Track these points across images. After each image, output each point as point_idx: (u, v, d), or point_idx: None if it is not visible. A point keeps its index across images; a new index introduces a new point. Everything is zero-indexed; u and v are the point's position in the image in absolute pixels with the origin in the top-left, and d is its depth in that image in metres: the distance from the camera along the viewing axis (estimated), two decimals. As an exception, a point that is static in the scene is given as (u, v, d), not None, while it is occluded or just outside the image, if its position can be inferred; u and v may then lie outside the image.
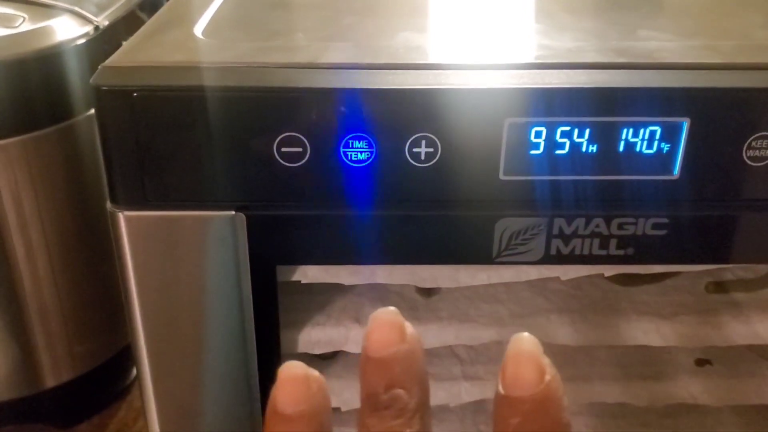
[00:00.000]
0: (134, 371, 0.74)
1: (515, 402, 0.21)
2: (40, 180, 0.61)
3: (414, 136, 0.35)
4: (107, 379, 0.73)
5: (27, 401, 0.68)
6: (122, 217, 0.37)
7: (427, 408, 0.22)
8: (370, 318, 0.22)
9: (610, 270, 0.41)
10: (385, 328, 0.22)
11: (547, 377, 0.21)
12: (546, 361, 0.21)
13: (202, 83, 0.35)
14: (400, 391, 0.21)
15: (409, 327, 0.22)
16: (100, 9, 0.64)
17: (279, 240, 0.38)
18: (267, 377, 0.42)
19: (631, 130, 0.36)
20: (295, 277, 0.41)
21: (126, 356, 0.72)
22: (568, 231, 0.38)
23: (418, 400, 0.21)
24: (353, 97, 0.35)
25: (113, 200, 0.37)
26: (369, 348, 0.21)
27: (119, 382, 0.75)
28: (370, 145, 0.36)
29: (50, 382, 0.68)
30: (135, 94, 0.34)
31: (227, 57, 0.37)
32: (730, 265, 0.46)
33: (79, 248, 0.65)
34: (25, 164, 0.60)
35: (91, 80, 0.35)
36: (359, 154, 0.36)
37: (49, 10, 0.62)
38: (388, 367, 0.21)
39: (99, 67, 0.36)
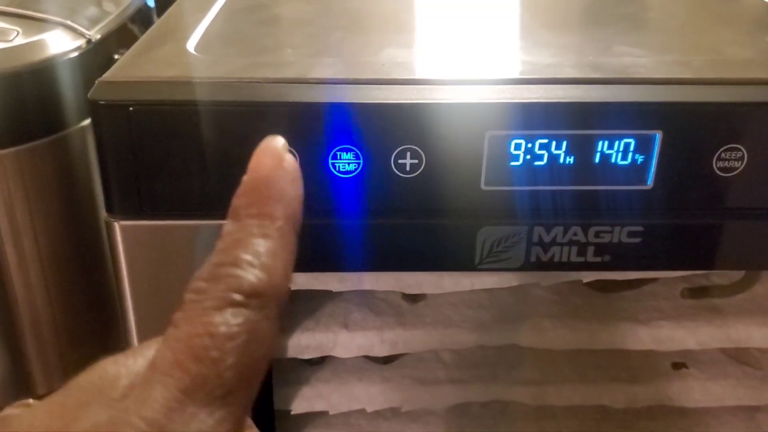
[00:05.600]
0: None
1: (252, 185, 0.23)
2: (33, 190, 0.62)
3: (399, 148, 0.37)
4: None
5: (18, 409, 0.68)
6: (118, 226, 0.38)
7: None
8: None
9: (588, 276, 0.43)
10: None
11: (286, 160, 0.23)
12: (288, 156, 0.24)
13: (195, 98, 0.36)
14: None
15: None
16: (93, 23, 0.65)
17: (269, 248, 0.39)
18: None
19: (606, 143, 0.37)
20: (285, 284, 0.42)
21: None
22: (547, 239, 0.40)
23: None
24: (341, 110, 0.36)
25: (109, 210, 0.38)
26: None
27: (110, 389, 0.75)
28: (357, 157, 0.37)
29: (42, 390, 0.69)
30: (131, 109, 0.36)
31: (219, 72, 0.38)
32: (704, 272, 0.48)
33: (72, 257, 0.66)
34: (18, 175, 0.61)
35: (89, 95, 0.36)
36: (347, 165, 0.37)
37: (43, 24, 0.63)
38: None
39: (96, 82, 0.37)
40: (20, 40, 0.60)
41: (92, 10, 0.68)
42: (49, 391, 0.70)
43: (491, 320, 0.47)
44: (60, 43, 0.62)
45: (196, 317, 0.20)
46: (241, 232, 0.22)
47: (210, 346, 0.20)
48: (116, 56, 0.66)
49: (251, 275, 0.21)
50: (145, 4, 0.77)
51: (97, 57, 0.64)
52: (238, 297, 0.20)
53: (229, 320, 0.20)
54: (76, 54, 0.62)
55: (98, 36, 0.64)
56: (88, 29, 0.64)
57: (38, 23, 0.63)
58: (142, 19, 0.75)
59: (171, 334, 0.20)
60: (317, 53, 0.43)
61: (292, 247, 0.23)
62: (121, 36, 0.68)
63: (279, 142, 0.24)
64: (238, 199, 0.23)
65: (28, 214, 0.62)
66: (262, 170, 0.23)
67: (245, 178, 0.23)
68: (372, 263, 0.41)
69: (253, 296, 0.21)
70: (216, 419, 0.20)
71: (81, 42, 0.63)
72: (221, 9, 0.50)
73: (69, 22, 0.63)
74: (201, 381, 0.20)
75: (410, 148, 0.37)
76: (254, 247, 0.21)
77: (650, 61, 0.41)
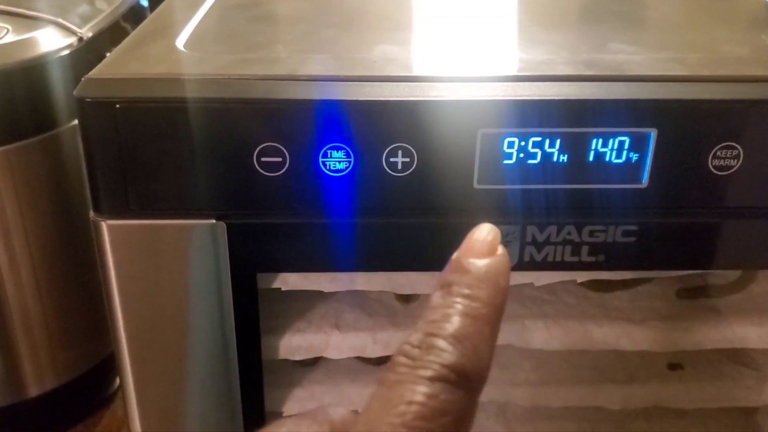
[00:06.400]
0: (118, 380, 0.74)
1: (467, 266, 0.24)
2: (23, 189, 0.61)
3: (391, 147, 0.36)
4: (91, 387, 0.73)
5: (10, 410, 0.68)
6: (105, 225, 0.38)
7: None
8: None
9: (582, 276, 0.43)
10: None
11: (499, 251, 0.24)
12: (501, 247, 0.25)
13: (184, 95, 0.35)
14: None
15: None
16: (84, 20, 0.65)
17: (259, 248, 0.39)
18: (248, 383, 0.42)
19: (600, 141, 0.37)
20: (276, 284, 0.42)
21: (109, 365, 0.73)
22: (540, 238, 0.39)
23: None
24: (332, 108, 0.36)
25: (96, 209, 0.38)
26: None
27: (103, 390, 0.75)
28: (348, 155, 0.37)
29: (33, 390, 0.68)
30: (117, 106, 0.35)
31: (208, 69, 0.38)
32: (700, 271, 0.47)
33: (63, 257, 0.65)
34: (8, 174, 0.60)
35: (74, 92, 0.36)
36: (338, 163, 0.37)
37: (34, 21, 0.62)
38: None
39: (82, 79, 0.37)
40: (10, 38, 0.59)
41: (84, 8, 0.67)
42: (41, 392, 0.68)
43: (485, 320, 0.46)
44: (51, 41, 0.61)
45: (410, 382, 0.21)
46: (451, 308, 0.22)
47: (424, 416, 0.20)
48: (108, 54, 0.65)
49: (460, 353, 0.21)
50: (138, 2, 0.77)
51: (89, 55, 0.63)
52: (450, 374, 0.21)
53: (440, 394, 0.20)
54: (67, 52, 0.61)
55: (90, 34, 0.64)
56: (79, 27, 0.64)
57: (29, 21, 0.62)
58: (135, 17, 0.74)
59: (383, 394, 0.21)
60: (308, 50, 0.42)
61: (495, 336, 0.23)
62: (114, 34, 0.68)
63: (494, 231, 0.25)
64: (450, 276, 0.24)
65: (18, 214, 0.62)
66: (475, 254, 0.24)
67: (458, 256, 0.24)
68: (364, 263, 0.41)
69: (464, 378, 0.21)
70: None
71: (72, 40, 0.62)
72: (212, 6, 0.49)
73: (60, 20, 0.63)
74: None
75: (402, 146, 0.36)
76: (464, 327, 0.22)
77: (645, 58, 0.41)
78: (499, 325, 0.23)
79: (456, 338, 0.22)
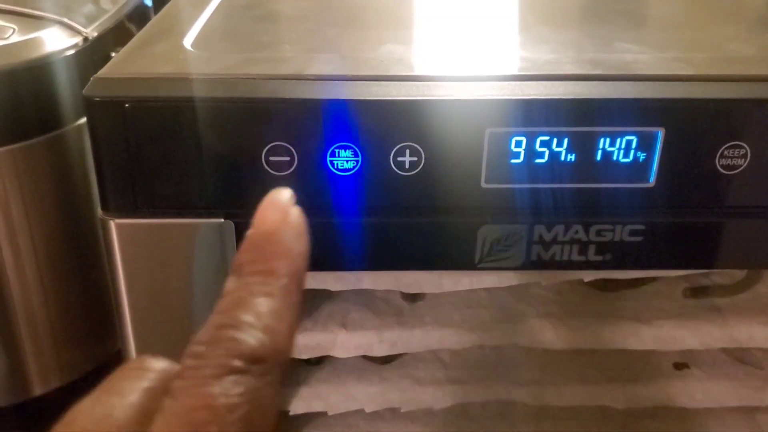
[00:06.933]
0: (122, 379, 0.74)
1: (257, 240, 0.22)
2: (29, 189, 0.61)
3: (399, 146, 0.36)
4: (95, 386, 0.73)
5: (14, 409, 0.68)
6: (113, 224, 0.38)
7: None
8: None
9: (589, 275, 0.43)
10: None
11: (293, 214, 0.23)
12: (294, 210, 0.24)
13: (192, 94, 0.35)
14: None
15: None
16: (89, 20, 0.65)
17: (267, 247, 0.39)
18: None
19: (608, 140, 0.37)
20: (283, 283, 0.42)
21: (114, 364, 0.72)
22: (548, 237, 0.39)
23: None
24: (340, 107, 0.36)
25: (104, 208, 0.38)
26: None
27: (107, 389, 0.75)
28: (356, 155, 0.37)
29: (38, 390, 0.68)
30: (126, 105, 0.35)
31: (216, 68, 0.38)
32: (706, 271, 0.47)
33: (68, 256, 0.65)
34: (14, 173, 0.60)
35: (83, 91, 0.36)
36: (346, 162, 0.37)
37: (39, 21, 0.62)
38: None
39: (91, 78, 0.37)
40: (16, 38, 0.59)
41: (89, 8, 0.67)
42: (45, 392, 0.68)
43: (491, 320, 0.47)
44: (56, 40, 0.61)
45: (194, 387, 0.19)
46: (243, 290, 0.21)
47: (209, 420, 0.18)
48: (113, 54, 0.65)
49: (252, 338, 0.20)
50: (142, 2, 0.77)
51: (94, 55, 0.63)
52: (238, 363, 0.19)
53: (229, 390, 0.19)
54: (72, 52, 0.61)
55: (95, 34, 0.64)
56: (84, 27, 0.64)
57: (35, 21, 0.62)
58: (140, 17, 0.74)
59: (169, 407, 0.19)
60: (315, 49, 0.42)
61: (297, 306, 0.22)
62: (119, 34, 0.68)
63: (284, 195, 0.24)
64: (242, 255, 0.22)
65: (24, 213, 0.62)
66: (266, 225, 0.23)
67: (249, 233, 0.23)
68: (371, 262, 0.40)
69: (255, 362, 0.20)
70: None
71: (78, 40, 0.62)
72: (218, 6, 0.49)
73: (65, 20, 0.63)
74: None
75: (409, 145, 0.36)
76: (256, 308, 0.21)
77: (651, 57, 0.41)
78: (301, 293, 0.22)
79: (246, 323, 0.20)
